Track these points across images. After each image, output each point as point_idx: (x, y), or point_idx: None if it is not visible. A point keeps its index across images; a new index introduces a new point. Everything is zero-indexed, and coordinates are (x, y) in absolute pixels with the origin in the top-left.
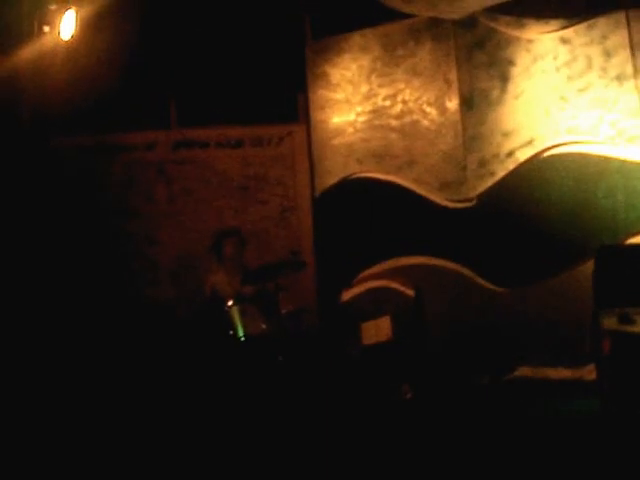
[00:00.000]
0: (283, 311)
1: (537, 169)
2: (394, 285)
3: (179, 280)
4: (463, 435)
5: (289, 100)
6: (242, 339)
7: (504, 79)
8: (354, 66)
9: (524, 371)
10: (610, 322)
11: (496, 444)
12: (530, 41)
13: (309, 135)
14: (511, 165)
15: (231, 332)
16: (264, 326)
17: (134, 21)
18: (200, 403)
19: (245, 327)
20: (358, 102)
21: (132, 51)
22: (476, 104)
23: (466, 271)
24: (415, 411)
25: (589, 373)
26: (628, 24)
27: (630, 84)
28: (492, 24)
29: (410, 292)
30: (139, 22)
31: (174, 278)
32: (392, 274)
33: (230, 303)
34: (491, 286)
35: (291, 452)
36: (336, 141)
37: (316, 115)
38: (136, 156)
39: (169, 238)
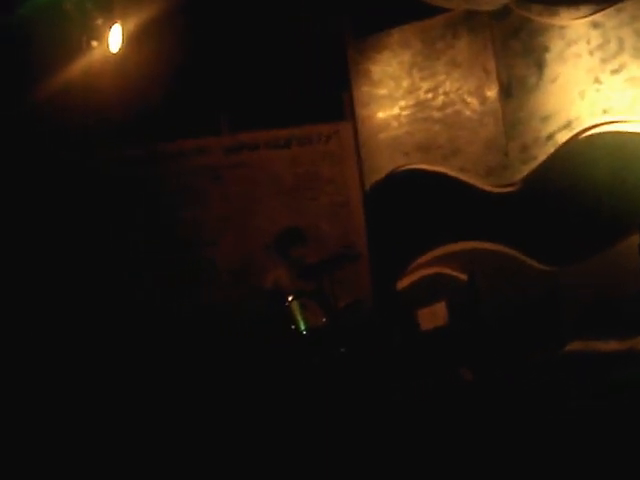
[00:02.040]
0: (341, 304)
1: (577, 150)
2: (447, 271)
3: (239, 279)
4: (525, 412)
5: (334, 99)
6: (304, 333)
7: (540, 65)
8: (395, 62)
9: (576, 345)
10: None
11: (555, 419)
12: (563, 27)
13: (356, 132)
14: (551, 148)
15: (293, 327)
16: (324, 319)
17: (179, 31)
18: (266, 398)
19: (306, 321)
20: (401, 96)
21: (179, 60)
22: (514, 91)
23: (516, 253)
24: (475, 393)
25: (639, 344)
26: None
27: None
28: (525, 13)
29: (463, 276)
30: (184, 32)
31: (234, 277)
32: (445, 260)
33: (290, 298)
34: (541, 265)
35: (359, 436)
36: (382, 136)
37: (361, 112)
38: (188, 162)
39: (226, 239)
